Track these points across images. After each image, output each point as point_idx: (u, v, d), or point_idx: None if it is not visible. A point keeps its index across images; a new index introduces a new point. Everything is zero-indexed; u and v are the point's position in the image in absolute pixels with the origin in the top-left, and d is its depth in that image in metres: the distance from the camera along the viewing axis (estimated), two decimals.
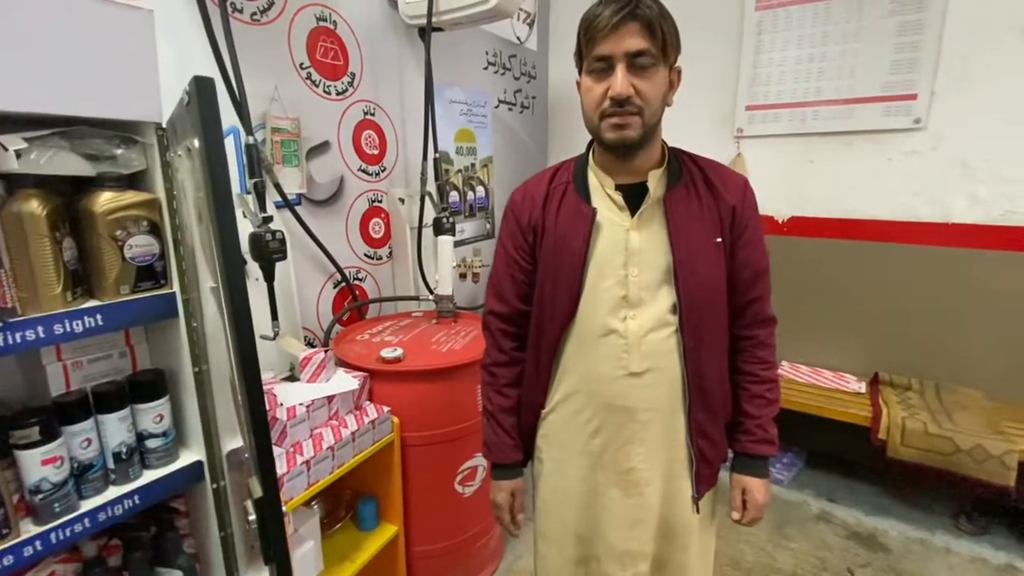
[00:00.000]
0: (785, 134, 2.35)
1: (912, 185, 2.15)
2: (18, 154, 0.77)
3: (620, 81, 0.80)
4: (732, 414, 0.99)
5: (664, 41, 0.81)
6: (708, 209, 0.90)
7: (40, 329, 0.80)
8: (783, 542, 1.95)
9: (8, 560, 0.80)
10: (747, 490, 0.97)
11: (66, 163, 0.83)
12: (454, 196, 2.31)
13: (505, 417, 1.03)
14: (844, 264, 2.29)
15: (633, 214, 0.90)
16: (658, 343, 0.89)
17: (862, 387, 2.19)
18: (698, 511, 0.97)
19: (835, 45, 2.20)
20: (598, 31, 0.80)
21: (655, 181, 0.89)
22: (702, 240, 0.89)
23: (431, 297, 1.90)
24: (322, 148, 1.71)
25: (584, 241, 0.90)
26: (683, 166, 0.93)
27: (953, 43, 2.01)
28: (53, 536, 0.84)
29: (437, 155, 1.94)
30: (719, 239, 0.90)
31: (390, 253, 2.03)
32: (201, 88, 0.52)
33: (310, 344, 1.71)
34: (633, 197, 0.90)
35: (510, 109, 2.70)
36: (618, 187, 0.91)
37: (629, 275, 0.89)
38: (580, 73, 0.89)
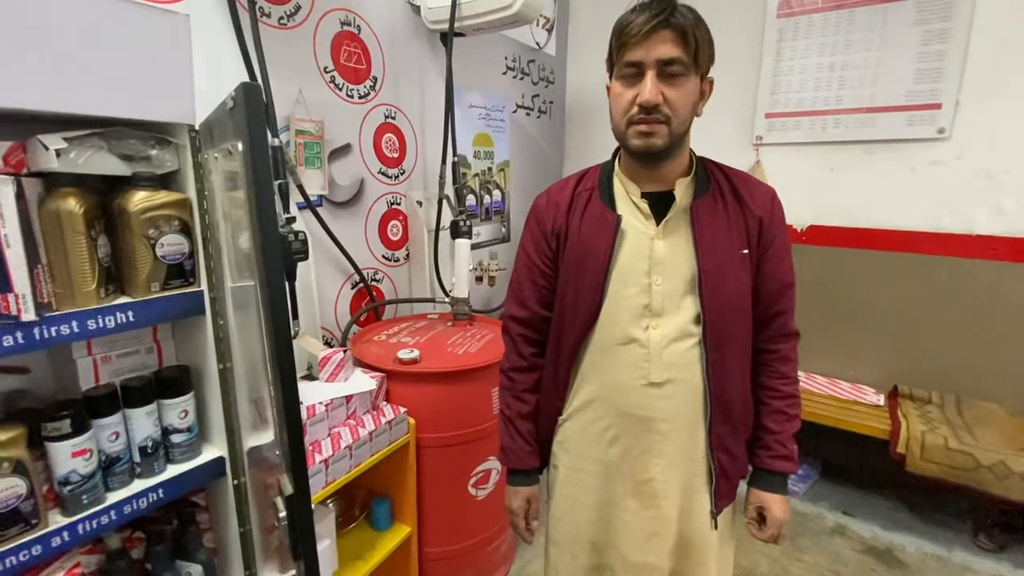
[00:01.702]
0: (805, 142, 2.34)
1: (935, 195, 2.12)
2: (58, 153, 0.79)
3: (649, 88, 0.79)
4: (752, 428, 0.98)
5: (696, 50, 0.80)
6: (735, 220, 0.89)
7: (74, 324, 0.82)
8: (797, 555, 1.93)
9: (36, 550, 0.81)
10: (765, 506, 0.96)
11: (103, 163, 0.85)
12: (471, 200, 2.32)
13: (523, 423, 1.03)
14: (864, 274, 2.27)
15: (658, 223, 0.89)
16: (680, 354, 0.89)
17: (880, 399, 2.16)
18: (716, 526, 0.95)
19: (858, 53, 2.19)
20: (631, 37, 0.80)
21: (682, 190, 0.89)
22: (728, 251, 0.88)
23: (447, 299, 1.91)
24: (344, 150, 1.73)
25: (608, 248, 0.89)
26: (711, 176, 0.92)
27: (979, 52, 1.98)
28: (80, 527, 0.86)
29: (455, 159, 1.95)
30: (745, 251, 0.89)
31: (407, 255, 2.05)
32: (249, 94, 0.53)
33: (328, 344, 1.73)
34: (659, 205, 0.89)
35: (528, 114, 2.71)
36: (644, 195, 0.90)
37: (653, 284, 0.88)
38: (611, 78, 0.88)
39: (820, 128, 2.30)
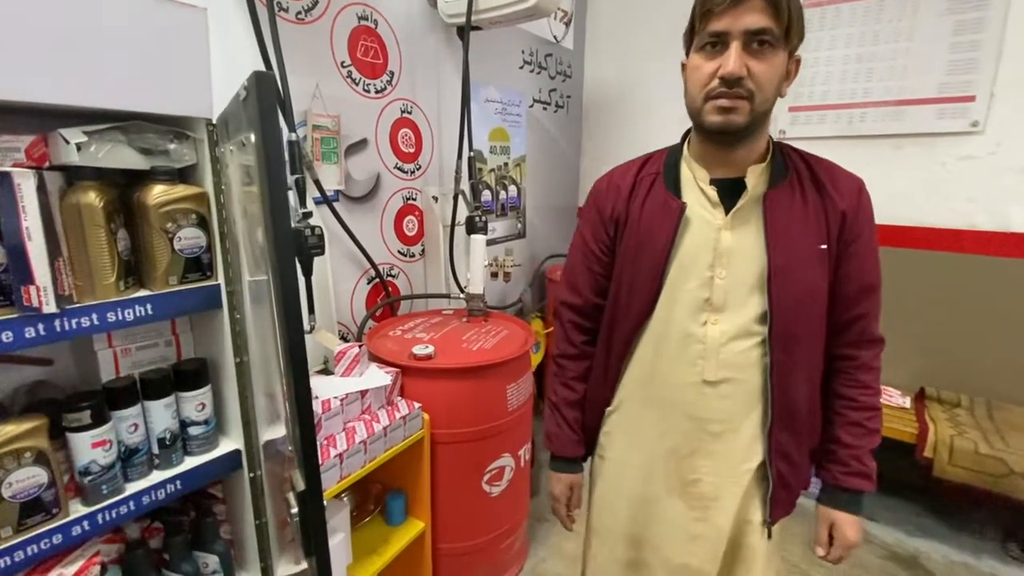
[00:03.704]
0: (830, 136, 2.27)
1: (967, 191, 2.05)
2: (78, 147, 0.80)
3: (733, 59, 0.72)
4: (822, 440, 0.91)
5: (790, 22, 0.73)
6: (814, 212, 0.81)
7: (95, 316, 0.83)
8: (818, 560, 1.88)
9: (57, 539, 0.83)
10: (836, 525, 0.89)
11: (123, 156, 0.86)
12: (486, 195, 2.31)
13: (569, 410, 1.01)
14: (890, 272, 2.16)
15: (727, 212, 0.83)
16: (739, 353, 0.84)
17: (907, 402, 2.10)
18: (770, 536, 0.91)
19: (886, 44, 2.12)
20: (716, 4, 0.73)
21: (755, 177, 0.82)
22: (804, 246, 0.81)
23: (462, 295, 1.90)
24: (360, 146, 1.73)
25: (669, 237, 0.84)
26: (789, 163, 0.85)
27: (1016, 42, 1.90)
28: (100, 517, 0.87)
29: (471, 154, 1.94)
30: (824, 246, 0.81)
31: (423, 251, 2.05)
32: (260, 82, 0.52)
33: (344, 338, 1.73)
34: (729, 193, 0.83)
35: (544, 108, 2.69)
36: (713, 181, 0.84)
37: (715, 277, 0.83)
38: (687, 53, 0.82)
39: (846, 122, 2.23)
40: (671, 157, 0.91)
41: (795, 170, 0.84)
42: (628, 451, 0.97)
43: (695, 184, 0.86)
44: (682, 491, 0.91)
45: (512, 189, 2.50)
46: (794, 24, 0.74)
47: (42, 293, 0.76)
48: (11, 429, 0.78)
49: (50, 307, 0.76)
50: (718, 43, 0.75)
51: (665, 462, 0.92)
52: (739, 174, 0.83)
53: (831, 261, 0.83)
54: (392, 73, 1.80)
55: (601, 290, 0.96)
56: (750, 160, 0.83)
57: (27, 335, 0.76)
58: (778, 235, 0.80)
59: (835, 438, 0.89)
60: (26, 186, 0.73)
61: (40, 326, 0.77)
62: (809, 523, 0.96)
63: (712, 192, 0.84)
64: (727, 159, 0.83)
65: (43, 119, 0.82)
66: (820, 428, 0.91)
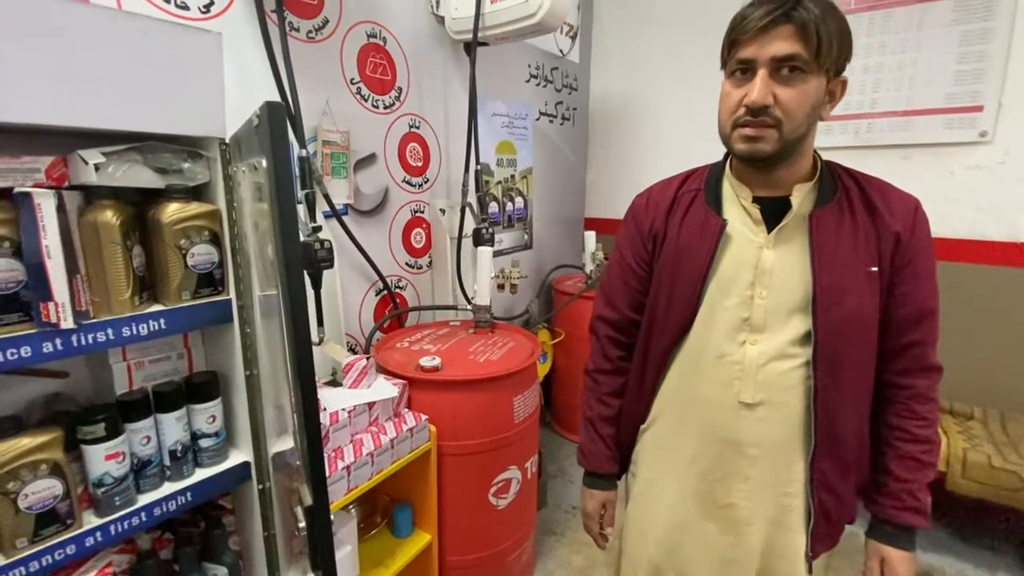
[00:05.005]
0: (837, 147, 2.27)
1: (977, 201, 2.03)
2: (97, 167, 0.82)
3: (758, 88, 0.72)
4: (872, 471, 0.88)
5: (819, 47, 0.71)
6: (864, 233, 0.79)
7: (110, 331, 0.85)
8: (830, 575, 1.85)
9: (71, 549, 0.84)
10: (886, 561, 0.84)
11: (139, 176, 0.88)
12: (493, 207, 2.33)
13: (603, 426, 1.00)
14: None
15: (771, 231, 0.81)
16: (778, 375, 0.81)
17: None
18: (811, 570, 0.87)
19: (893, 55, 2.12)
20: (743, 33, 0.73)
21: (800, 196, 0.80)
22: (852, 268, 0.78)
23: (469, 307, 1.91)
24: (369, 160, 1.75)
25: (708, 254, 0.83)
26: (838, 182, 0.83)
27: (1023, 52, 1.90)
28: (113, 528, 0.89)
29: (478, 167, 1.97)
30: (874, 268, 0.79)
31: (430, 262, 2.06)
32: (272, 113, 0.54)
33: (352, 350, 1.75)
34: (773, 212, 0.81)
35: (551, 121, 2.71)
36: (757, 199, 0.83)
37: (756, 296, 0.81)
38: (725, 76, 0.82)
39: (853, 132, 2.23)
40: (713, 174, 0.90)
41: (844, 190, 0.82)
42: (659, 471, 0.95)
43: (737, 201, 0.85)
44: (715, 514, 0.89)
45: (519, 201, 2.52)
46: (826, 47, 0.71)
47: (60, 309, 0.78)
48: (28, 441, 0.79)
49: (68, 323, 0.79)
50: (747, 70, 0.75)
51: (697, 484, 0.90)
52: (784, 193, 0.82)
53: (882, 284, 0.80)
54: (400, 89, 1.83)
55: (638, 305, 0.95)
56: (794, 179, 0.82)
57: (45, 350, 0.78)
58: (824, 256, 0.78)
59: (888, 471, 0.85)
60: (46, 206, 0.75)
61: (58, 341, 0.79)
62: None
63: (754, 210, 0.83)
64: (769, 179, 0.82)
65: (63, 140, 0.85)
66: (868, 460, 0.87)
